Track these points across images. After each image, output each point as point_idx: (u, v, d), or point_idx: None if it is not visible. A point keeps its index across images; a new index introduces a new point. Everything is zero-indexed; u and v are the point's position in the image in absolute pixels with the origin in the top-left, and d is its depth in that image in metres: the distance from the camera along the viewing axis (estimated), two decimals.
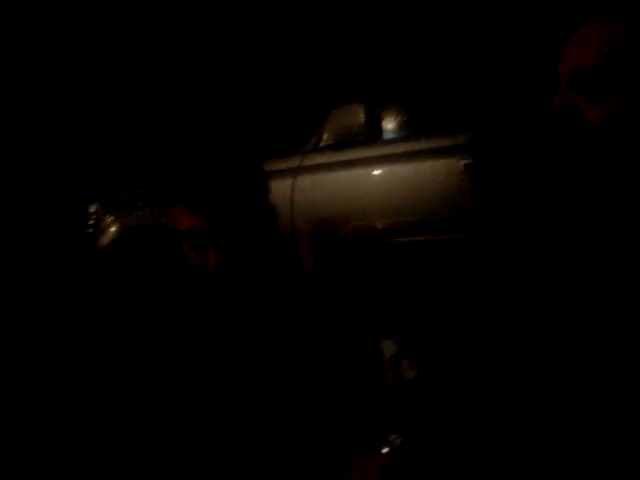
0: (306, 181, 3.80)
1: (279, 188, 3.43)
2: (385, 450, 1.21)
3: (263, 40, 5.26)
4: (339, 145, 3.84)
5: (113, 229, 3.79)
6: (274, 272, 1.27)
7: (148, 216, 3.81)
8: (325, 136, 3.89)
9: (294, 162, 3.82)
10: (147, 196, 3.82)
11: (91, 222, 3.75)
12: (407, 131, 3.85)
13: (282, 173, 3.76)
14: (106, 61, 5.38)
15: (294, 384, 1.22)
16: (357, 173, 3.81)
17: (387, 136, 3.89)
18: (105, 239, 3.73)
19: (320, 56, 4.78)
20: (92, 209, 3.80)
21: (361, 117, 3.78)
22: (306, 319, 1.25)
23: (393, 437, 1.21)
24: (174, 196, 1.19)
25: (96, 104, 5.33)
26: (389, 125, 3.89)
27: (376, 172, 3.82)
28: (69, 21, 5.32)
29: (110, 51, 5.33)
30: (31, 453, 1.94)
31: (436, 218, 3.58)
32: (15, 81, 5.27)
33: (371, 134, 3.80)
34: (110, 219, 3.79)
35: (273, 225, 1.25)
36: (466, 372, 1.16)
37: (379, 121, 3.87)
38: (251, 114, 4.59)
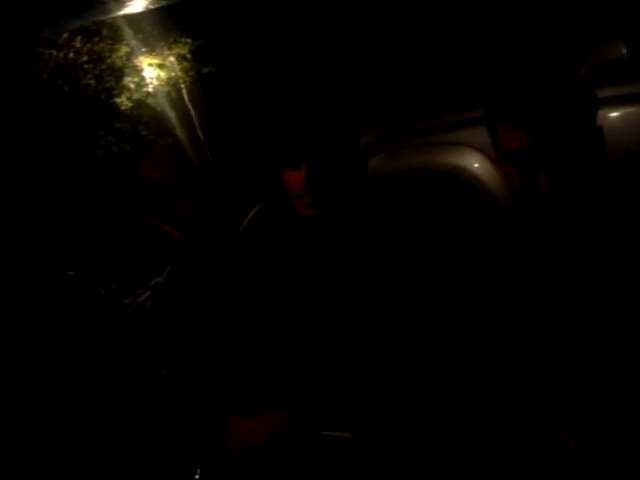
0: None
1: None
2: None
3: None
4: (599, 82, 3.45)
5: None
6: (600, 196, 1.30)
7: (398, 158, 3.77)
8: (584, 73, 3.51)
9: None
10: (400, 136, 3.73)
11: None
12: None
13: None
14: None
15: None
16: (618, 111, 3.42)
17: None
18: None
19: None
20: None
21: (622, 53, 3.44)
22: None
23: None
24: (502, 117, 1.23)
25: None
26: None
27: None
28: None
29: None
30: None
31: None
32: None
33: (632, 71, 3.42)
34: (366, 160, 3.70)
35: (601, 146, 1.28)
36: None
37: None
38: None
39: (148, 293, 2.13)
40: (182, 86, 5.40)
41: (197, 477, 1.50)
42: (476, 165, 3.67)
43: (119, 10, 5.09)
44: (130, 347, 1.95)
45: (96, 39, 5.28)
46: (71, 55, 5.17)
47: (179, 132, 5.31)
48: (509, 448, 1.40)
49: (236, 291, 1.85)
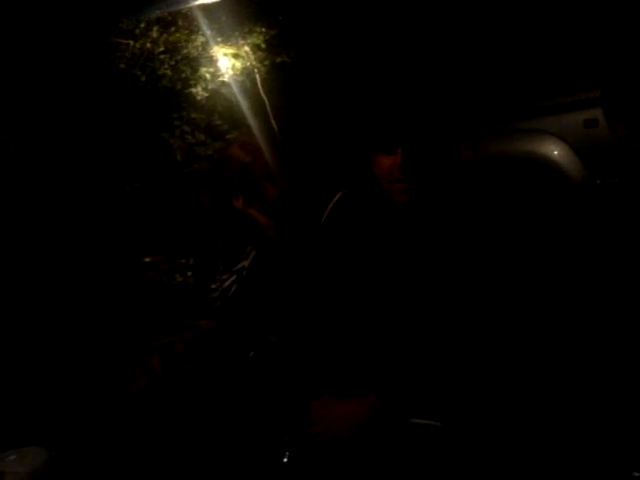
0: None
1: None
2: None
3: None
4: None
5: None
6: None
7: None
8: None
9: None
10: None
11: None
12: None
13: None
14: None
15: None
16: None
17: None
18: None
19: None
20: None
21: None
22: None
23: None
24: None
25: None
26: None
27: None
28: None
29: None
30: None
31: None
32: None
33: None
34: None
35: None
36: None
37: None
38: None
39: (234, 277, 2.12)
40: (257, 76, 5.38)
41: (285, 460, 1.48)
42: (555, 152, 3.68)
43: (195, 0, 5.12)
44: (216, 331, 1.93)
45: (172, 29, 5.31)
46: (148, 45, 5.21)
47: (252, 121, 5.29)
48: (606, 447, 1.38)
49: (322, 276, 1.81)
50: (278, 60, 5.46)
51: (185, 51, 5.32)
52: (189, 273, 4.28)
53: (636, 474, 1.31)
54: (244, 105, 5.28)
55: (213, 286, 2.14)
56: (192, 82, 5.32)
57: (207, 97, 5.36)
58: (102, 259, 3.02)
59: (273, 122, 5.36)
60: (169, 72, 5.31)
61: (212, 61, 5.32)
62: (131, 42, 5.19)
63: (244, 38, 5.35)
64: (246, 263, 2.10)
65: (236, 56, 5.30)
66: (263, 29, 5.38)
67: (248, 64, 5.33)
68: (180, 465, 1.56)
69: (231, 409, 1.68)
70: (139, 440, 1.68)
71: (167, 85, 5.35)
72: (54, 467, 1.54)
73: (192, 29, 5.31)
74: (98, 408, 1.81)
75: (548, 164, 3.71)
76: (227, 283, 2.10)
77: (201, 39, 5.29)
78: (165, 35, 5.27)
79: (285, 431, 1.53)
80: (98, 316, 2.43)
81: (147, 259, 4.49)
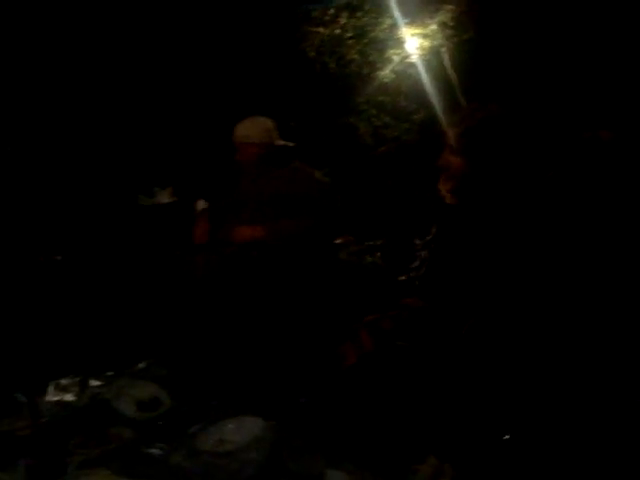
0: None
1: None
2: None
3: None
4: None
5: None
6: None
7: None
8: None
9: None
10: None
11: None
12: None
13: None
14: None
15: None
16: None
17: None
18: None
19: None
20: None
21: None
22: None
23: None
24: None
25: None
26: None
27: None
28: None
29: None
30: None
31: None
32: None
33: None
34: None
35: None
36: None
37: None
38: None
39: (424, 256, 2.07)
40: (445, 54, 5.29)
41: None
42: None
43: None
44: (424, 309, 1.92)
45: (359, 14, 5.38)
46: (337, 31, 5.32)
47: (438, 100, 5.21)
48: None
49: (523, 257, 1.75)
50: (465, 37, 5.33)
51: (372, 35, 5.36)
52: (378, 254, 4.31)
53: None
54: (431, 84, 5.21)
55: (413, 265, 2.11)
56: (379, 65, 5.35)
57: (392, 79, 5.37)
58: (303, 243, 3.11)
59: (462, 100, 5.25)
60: (357, 57, 5.38)
61: (399, 43, 5.31)
62: (321, 29, 5.32)
63: (431, 17, 5.28)
64: (429, 237, 2.05)
65: (424, 35, 5.24)
66: (451, 6, 5.28)
67: (435, 43, 5.25)
68: (395, 438, 1.58)
69: (443, 386, 1.67)
70: (351, 412, 1.73)
71: (355, 70, 5.43)
72: (270, 436, 1.62)
73: (379, 12, 5.33)
74: (312, 382, 1.88)
75: None
76: (416, 263, 2.06)
77: (388, 21, 5.29)
78: (353, 20, 5.36)
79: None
80: (309, 295, 2.53)
81: (338, 240, 4.57)
